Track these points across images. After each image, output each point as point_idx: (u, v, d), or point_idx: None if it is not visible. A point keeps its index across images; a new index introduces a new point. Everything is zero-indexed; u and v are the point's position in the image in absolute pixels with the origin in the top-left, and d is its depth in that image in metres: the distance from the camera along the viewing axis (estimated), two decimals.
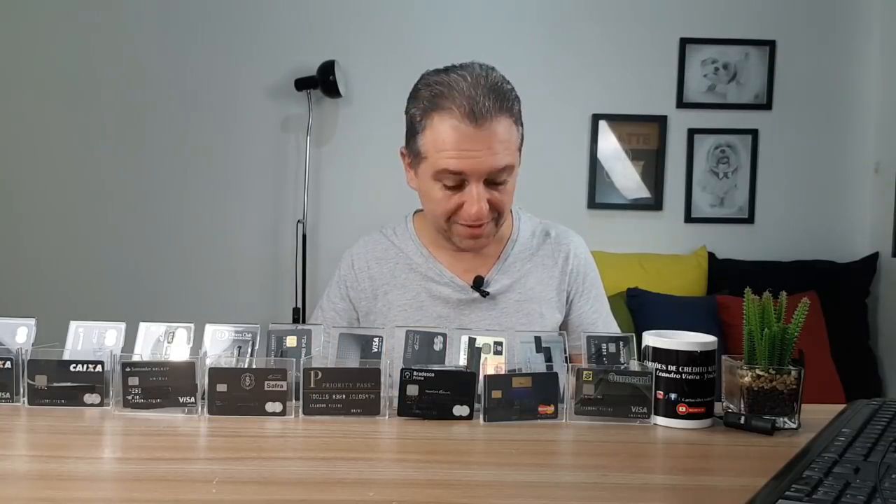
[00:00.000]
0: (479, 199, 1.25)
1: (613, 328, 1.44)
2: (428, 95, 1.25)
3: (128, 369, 1.00)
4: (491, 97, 1.22)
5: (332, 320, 1.39)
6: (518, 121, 1.29)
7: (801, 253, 3.22)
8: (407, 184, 1.38)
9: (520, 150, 1.32)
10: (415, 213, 1.46)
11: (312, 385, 1.00)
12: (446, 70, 1.27)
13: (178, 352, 1.05)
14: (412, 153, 1.31)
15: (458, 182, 1.26)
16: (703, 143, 3.29)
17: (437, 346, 1.08)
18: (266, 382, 0.99)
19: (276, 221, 3.29)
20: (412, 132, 1.30)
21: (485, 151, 1.22)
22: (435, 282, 1.37)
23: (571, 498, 0.76)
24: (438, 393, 1.01)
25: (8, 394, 1.03)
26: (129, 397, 1.00)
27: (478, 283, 1.36)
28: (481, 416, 1.00)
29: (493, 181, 1.27)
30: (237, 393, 0.99)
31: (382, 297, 1.39)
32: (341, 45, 3.21)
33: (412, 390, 1.00)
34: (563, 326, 1.40)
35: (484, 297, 1.36)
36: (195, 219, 3.28)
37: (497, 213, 1.31)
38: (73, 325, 1.08)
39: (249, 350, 1.07)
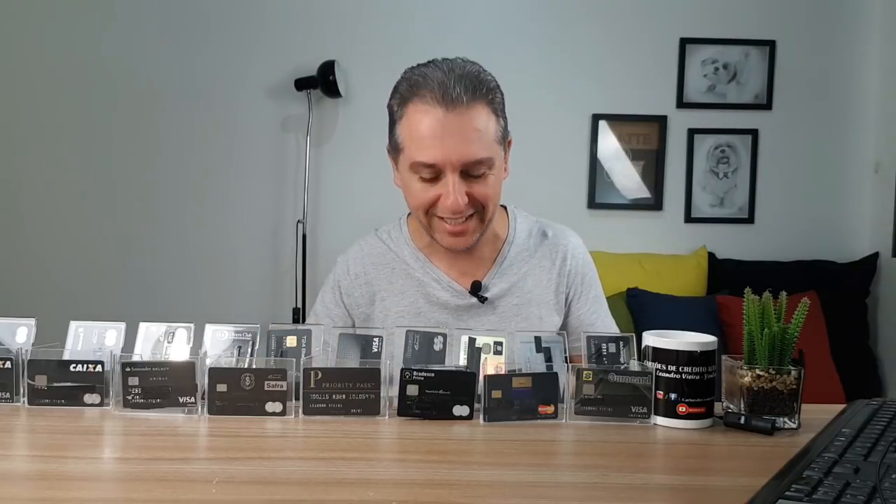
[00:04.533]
0: (455, 190, 1.21)
1: (612, 328, 1.42)
2: (405, 87, 1.25)
3: (128, 369, 1.00)
4: (464, 82, 1.20)
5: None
6: (498, 112, 1.25)
7: (801, 253, 3.22)
8: (393, 182, 1.35)
9: (502, 143, 1.28)
10: (409, 214, 1.43)
11: (312, 385, 0.99)
12: (426, 63, 1.27)
13: (178, 352, 1.05)
14: (392, 146, 1.30)
15: (434, 174, 1.23)
16: (703, 143, 3.29)
17: (437, 346, 1.08)
18: (266, 382, 0.99)
19: (276, 221, 3.29)
20: (391, 124, 1.29)
21: (458, 140, 1.19)
22: (432, 287, 1.35)
23: (571, 498, 0.76)
24: (438, 393, 1.00)
25: (8, 394, 1.03)
26: (129, 397, 1.00)
27: (475, 288, 1.34)
28: (481, 416, 1.00)
29: (470, 173, 1.23)
30: (237, 393, 0.99)
31: (380, 304, 1.37)
32: (341, 45, 3.21)
33: (412, 390, 1.00)
34: (563, 328, 1.39)
35: (482, 302, 1.34)
36: (195, 219, 3.28)
37: (480, 206, 1.26)
38: (73, 325, 1.08)
39: (249, 350, 1.07)
